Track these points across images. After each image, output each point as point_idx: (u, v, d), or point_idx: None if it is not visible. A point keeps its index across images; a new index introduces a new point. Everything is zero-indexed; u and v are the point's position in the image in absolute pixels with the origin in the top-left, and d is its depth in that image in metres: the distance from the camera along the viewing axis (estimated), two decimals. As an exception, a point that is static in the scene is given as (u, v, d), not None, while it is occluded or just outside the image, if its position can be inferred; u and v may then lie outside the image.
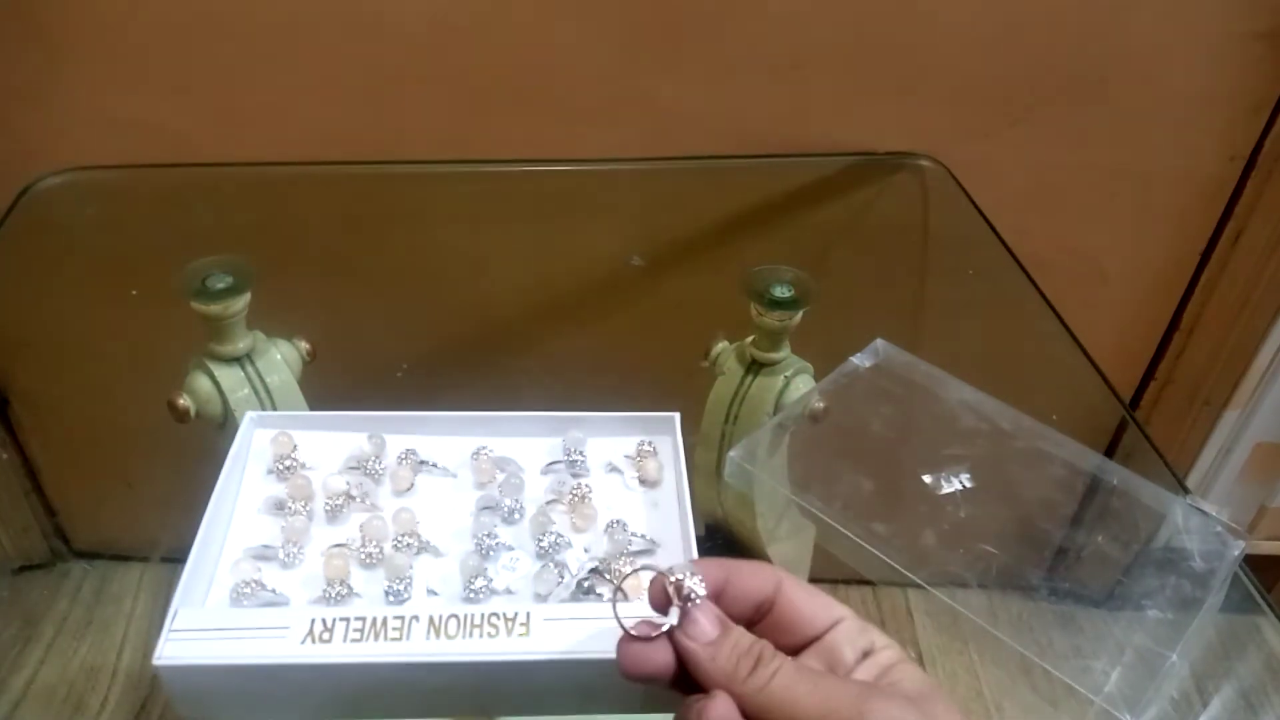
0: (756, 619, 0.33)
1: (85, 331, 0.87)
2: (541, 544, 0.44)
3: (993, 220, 0.81)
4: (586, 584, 0.43)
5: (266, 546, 0.44)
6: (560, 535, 0.45)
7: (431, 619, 0.39)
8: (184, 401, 0.56)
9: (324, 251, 0.86)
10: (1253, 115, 0.83)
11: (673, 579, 0.32)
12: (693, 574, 0.32)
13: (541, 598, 0.42)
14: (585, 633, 0.39)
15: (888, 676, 0.32)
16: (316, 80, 0.80)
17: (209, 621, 0.39)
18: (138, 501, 0.92)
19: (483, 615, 0.39)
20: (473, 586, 0.42)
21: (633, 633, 0.32)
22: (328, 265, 0.85)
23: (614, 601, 0.33)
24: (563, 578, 0.43)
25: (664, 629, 0.32)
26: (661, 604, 0.32)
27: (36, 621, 0.92)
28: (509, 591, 0.43)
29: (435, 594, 0.43)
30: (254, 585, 0.42)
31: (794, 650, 0.33)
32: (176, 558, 0.42)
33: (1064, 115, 0.83)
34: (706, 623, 0.32)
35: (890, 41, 0.79)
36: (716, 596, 0.33)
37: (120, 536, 1.00)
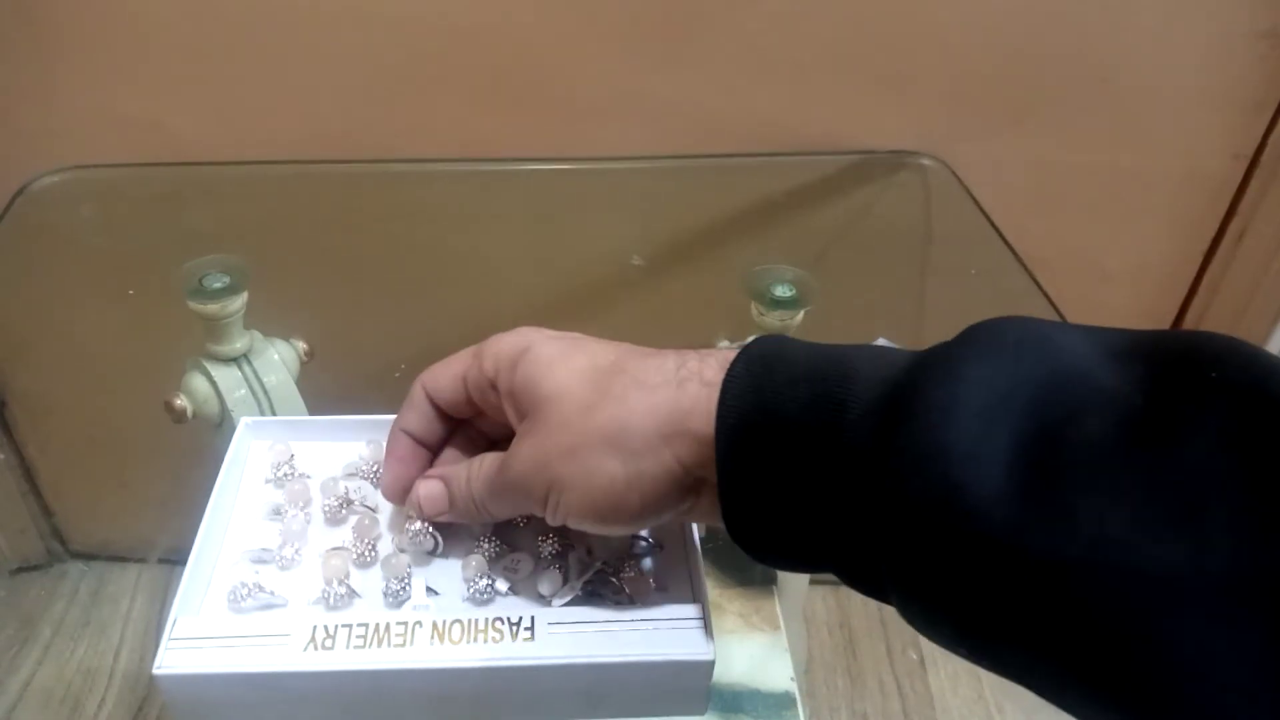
0: None
1: (82, 331, 0.86)
2: (544, 546, 0.44)
3: (994, 219, 0.81)
4: (590, 587, 0.43)
5: (265, 550, 0.44)
6: (563, 538, 0.45)
7: (435, 625, 0.38)
8: (181, 402, 0.56)
9: (323, 251, 0.85)
10: (1256, 114, 0.83)
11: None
12: None
13: (545, 600, 0.42)
14: (590, 637, 0.38)
15: None
16: (316, 79, 0.79)
17: (209, 629, 0.38)
18: (135, 502, 0.91)
19: (487, 620, 0.39)
20: (475, 588, 0.42)
21: None
22: (326, 265, 0.85)
23: None
24: (566, 580, 0.43)
25: None
26: None
27: (33, 623, 0.91)
28: (512, 593, 0.43)
29: (436, 593, 0.43)
30: (252, 588, 0.41)
31: None
32: (174, 559, 0.41)
33: (1066, 114, 0.83)
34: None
35: (891, 39, 0.79)
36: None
37: (118, 537, 1.00)
